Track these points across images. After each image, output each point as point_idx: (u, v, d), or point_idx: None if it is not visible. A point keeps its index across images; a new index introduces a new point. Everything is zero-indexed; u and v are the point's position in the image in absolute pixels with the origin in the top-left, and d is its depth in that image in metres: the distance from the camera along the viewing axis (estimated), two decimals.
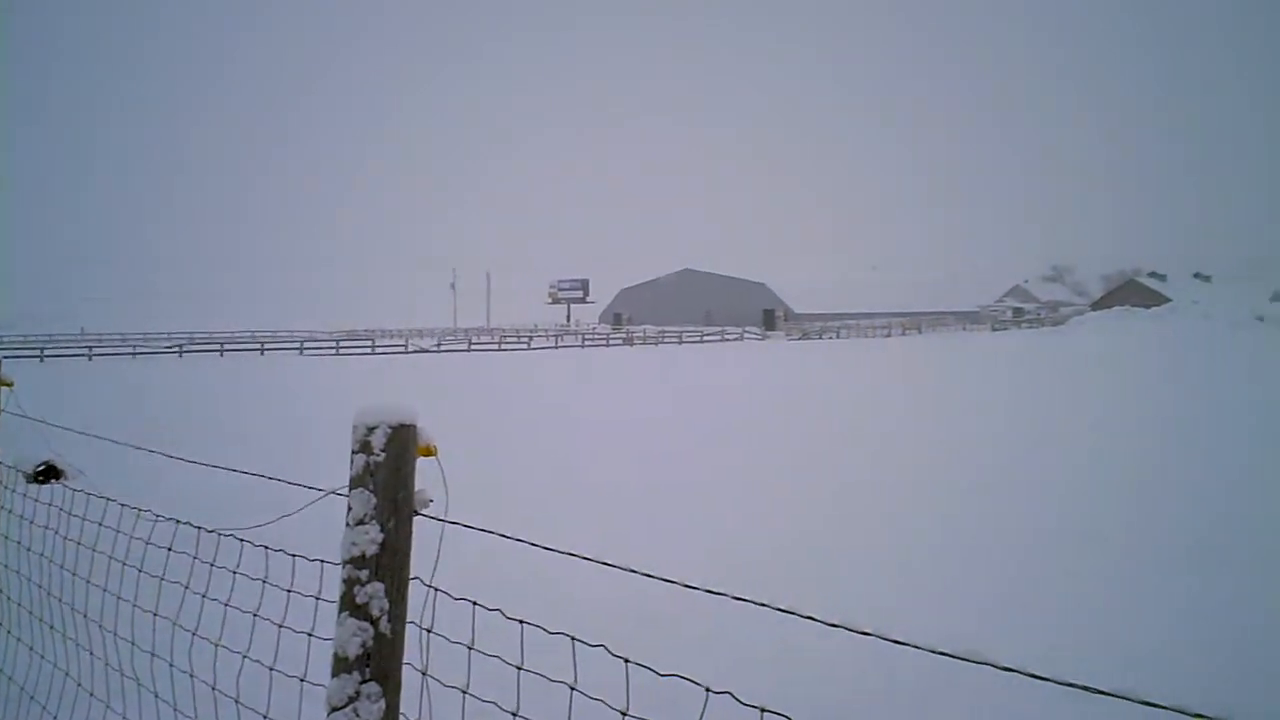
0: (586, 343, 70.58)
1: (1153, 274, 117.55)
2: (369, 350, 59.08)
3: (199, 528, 3.45)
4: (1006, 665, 1.52)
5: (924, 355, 48.27)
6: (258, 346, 59.43)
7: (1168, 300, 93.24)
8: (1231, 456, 14.71)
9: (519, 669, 2.20)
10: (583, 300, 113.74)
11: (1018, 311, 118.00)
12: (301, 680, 2.74)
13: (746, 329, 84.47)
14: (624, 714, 1.94)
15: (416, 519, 2.37)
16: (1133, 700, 1.45)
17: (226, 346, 59.73)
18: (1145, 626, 6.78)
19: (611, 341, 72.47)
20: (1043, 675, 1.54)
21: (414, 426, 2.35)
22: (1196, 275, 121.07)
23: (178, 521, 3.61)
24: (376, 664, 2.26)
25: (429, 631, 2.38)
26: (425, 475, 2.35)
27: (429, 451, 2.39)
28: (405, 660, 2.32)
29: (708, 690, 1.80)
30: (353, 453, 2.32)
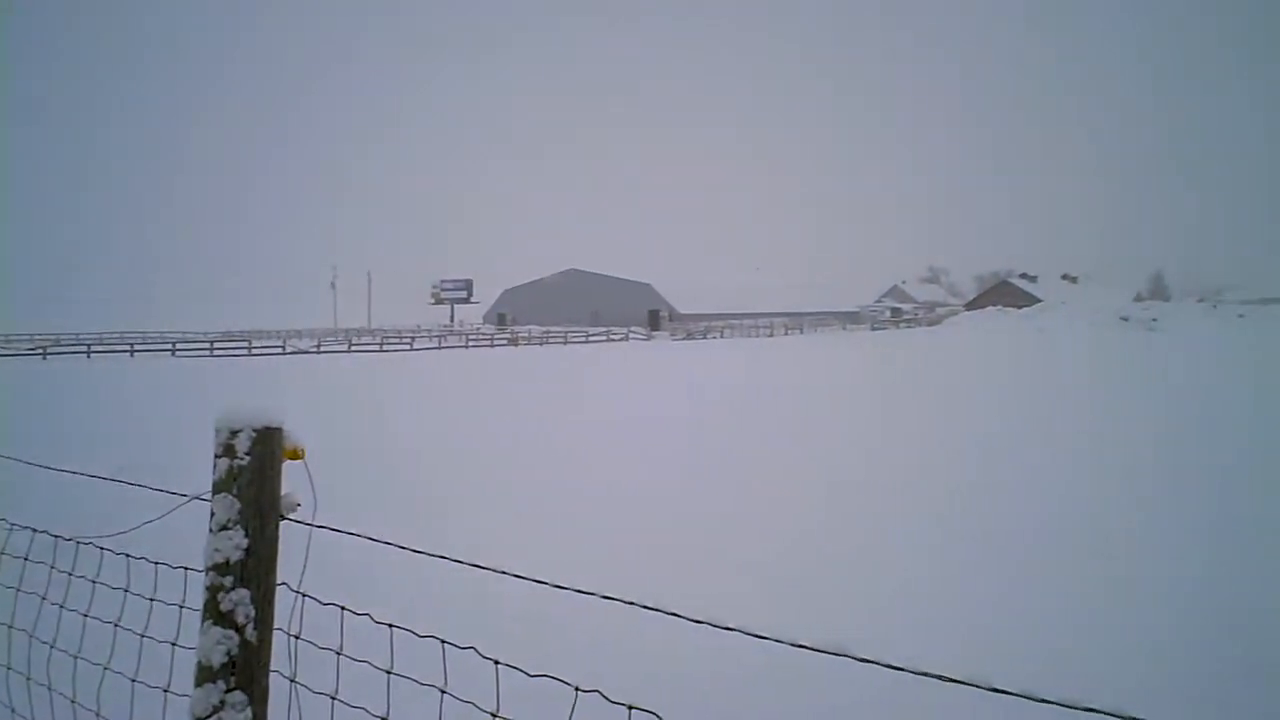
0: (471, 343, 69.99)
1: (1024, 275, 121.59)
2: (245, 352, 57.54)
3: (57, 536, 3.32)
4: (863, 657, 1.56)
5: (802, 354, 49.16)
6: (127, 348, 57.38)
7: (1038, 301, 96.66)
8: (1087, 451, 15.33)
9: (389, 673, 2.18)
10: (467, 300, 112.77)
11: (896, 311, 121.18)
12: (165, 691, 2.67)
13: (632, 329, 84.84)
14: (494, 715, 1.94)
15: (284, 523, 2.33)
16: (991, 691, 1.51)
17: (94, 348, 57.50)
18: (1002, 615, 7.02)
19: (496, 342, 72.00)
20: (898, 665, 1.59)
21: (280, 429, 2.31)
22: (1065, 277, 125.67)
23: (34, 530, 3.47)
24: (242, 672, 2.21)
25: (297, 638, 2.34)
26: (292, 479, 2.31)
27: (296, 455, 2.34)
28: (273, 668, 2.28)
29: (576, 689, 1.81)
30: (216, 456, 2.27)
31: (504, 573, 2.00)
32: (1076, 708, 1.41)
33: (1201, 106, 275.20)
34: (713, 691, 5.28)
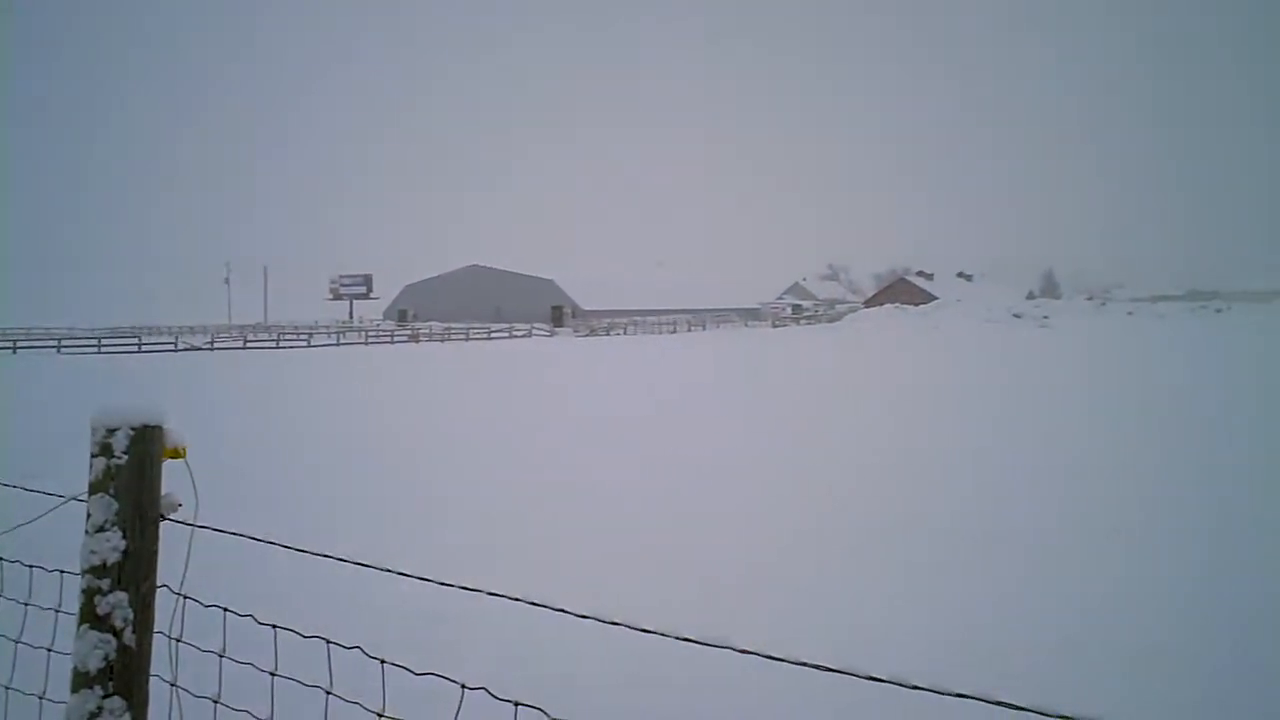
0: (370, 340, 69.00)
1: (921, 273, 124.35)
2: (135, 348, 55.81)
3: None
4: (744, 648, 1.59)
5: (704, 350, 49.57)
6: (9, 345, 55.24)
7: (934, 298, 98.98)
8: (978, 443, 15.75)
9: (273, 675, 2.15)
10: (366, 296, 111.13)
11: (797, 308, 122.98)
12: (40, 698, 2.59)
13: (535, 326, 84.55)
14: (380, 715, 1.92)
15: (165, 524, 2.28)
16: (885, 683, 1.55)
17: None
18: (874, 605, 7.18)
19: (397, 338, 71.09)
20: (778, 656, 1.62)
21: (160, 427, 2.26)
22: (960, 275, 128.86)
23: None
24: (120, 677, 2.16)
25: (178, 641, 2.29)
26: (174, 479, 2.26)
27: (177, 453, 2.29)
28: (153, 672, 2.22)
29: (463, 687, 1.80)
30: (92, 456, 2.21)
31: (389, 570, 1.99)
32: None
33: (1095, 111, 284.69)
34: (604, 689, 5.29)
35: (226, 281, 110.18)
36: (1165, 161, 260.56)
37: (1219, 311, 69.74)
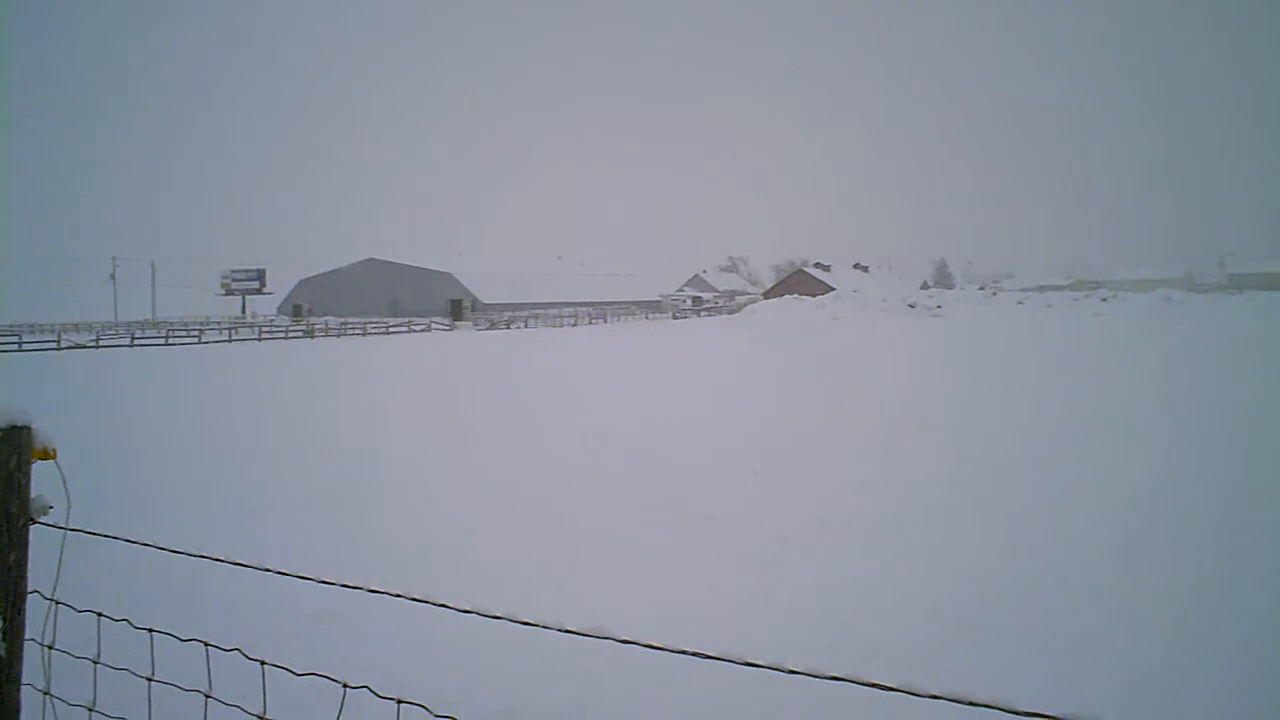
0: (264, 335, 67.49)
1: (819, 264, 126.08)
2: (15, 347, 53.69)
3: None
4: (624, 639, 1.60)
5: (607, 342, 49.64)
6: None
7: (831, 289, 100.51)
8: (860, 429, 16.09)
9: (149, 680, 2.09)
10: (259, 291, 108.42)
11: (697, 300, 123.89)
12: None
13: (434, 320, 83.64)
14: (260, 717, 1.89)
15: (36, 528, 2.20)
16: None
17: None
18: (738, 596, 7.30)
19: (291, 334, 69.66)
20: (659, 645, 1.64)
21: (29, 428, 2.18)
22: (857, 266, 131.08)
23: None
24: None
25: (50, 648, 2.22)
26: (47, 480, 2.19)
27: (47, 454, 2.22)
28: (25, 681, 2.15)
29: (345, 686, 1.78)
30: None
31: (268, 570, 1.95)
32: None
33: (985, 107, 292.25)
34: (497, 684, 5.28)
35: (112, 277, 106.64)
36: (1053, 157, 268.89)
37: (1104, 300, 72.22)
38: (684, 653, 1.63)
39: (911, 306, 76.42)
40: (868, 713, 4.27)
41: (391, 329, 74.52)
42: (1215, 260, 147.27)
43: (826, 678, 1.53)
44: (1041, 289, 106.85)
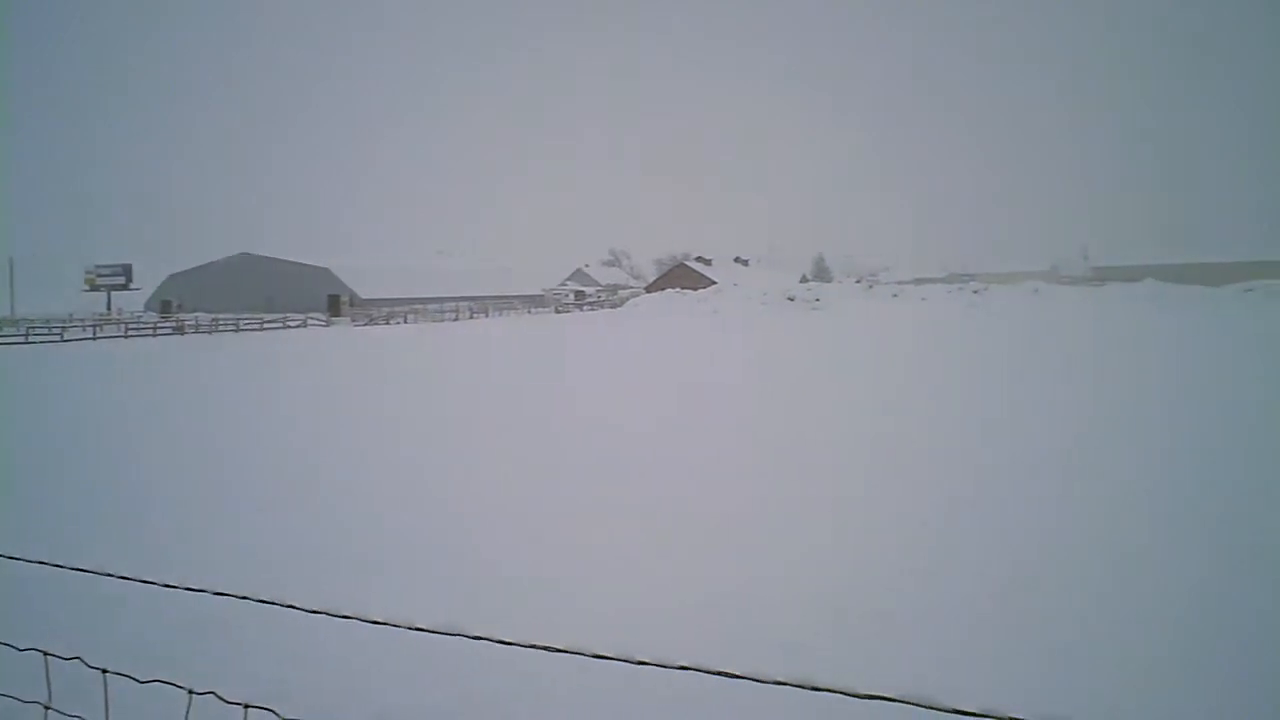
0: (131, 332, 65.07)
1: (700, 259, 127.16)
2: None
3: None
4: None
5: (488, 337, 49.31)
6: None
7: (713, 283, 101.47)
8: (758, 422, 16.35)
9: None
10: (126, 287, 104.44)
11: (579, 294, 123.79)
12: None
13: (311, 315, 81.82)
14: None
15: None
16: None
17: None
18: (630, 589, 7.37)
19: (160, 330, 67.35)
20: (558, 647, 1.64)
21: None
22: (737, 260, 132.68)
23: None
24: None
25: None
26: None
27: None
28: None
29: (190, 692, 1.73)
30: None
31: (122, 577, 1.89)
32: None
33: (862, 107, 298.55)
34: (362, 686, 5.21)
35: None
36: (925, 153, 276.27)
37: (975, 293, 74.52)
38: (576, 653, 1.63)
39: (791, 299, 77.62)
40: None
41: (266, 324, 72.68)
42: (1079, 254, 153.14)
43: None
44: (918, 282, 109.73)
